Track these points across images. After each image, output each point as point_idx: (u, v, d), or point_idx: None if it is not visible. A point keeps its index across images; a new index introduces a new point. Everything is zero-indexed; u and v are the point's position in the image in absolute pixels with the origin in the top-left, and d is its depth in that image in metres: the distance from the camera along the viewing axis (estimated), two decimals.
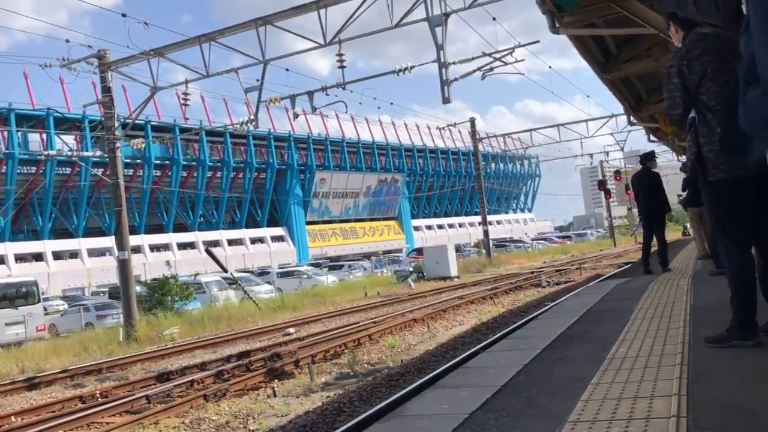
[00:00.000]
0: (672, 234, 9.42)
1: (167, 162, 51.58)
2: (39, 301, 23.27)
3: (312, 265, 42.96)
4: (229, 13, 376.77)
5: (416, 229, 73.22)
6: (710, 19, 2.17)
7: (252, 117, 18.62)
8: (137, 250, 42.99)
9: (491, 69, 19.67)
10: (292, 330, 17.09)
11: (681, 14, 2.52)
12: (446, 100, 15.43)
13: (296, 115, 20.30)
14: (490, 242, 43.77)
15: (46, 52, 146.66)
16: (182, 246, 52.14)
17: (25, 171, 44.35)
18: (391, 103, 55.56)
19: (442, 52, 15.10)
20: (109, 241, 41.43)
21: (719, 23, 2.16)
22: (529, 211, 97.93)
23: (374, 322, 16.06)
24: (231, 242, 55.25)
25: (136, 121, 24.78)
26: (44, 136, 43.96)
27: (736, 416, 2.49)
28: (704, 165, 3.66)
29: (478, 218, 46.80)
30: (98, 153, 26.97)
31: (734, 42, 3.69)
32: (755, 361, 3.33)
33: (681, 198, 10.37)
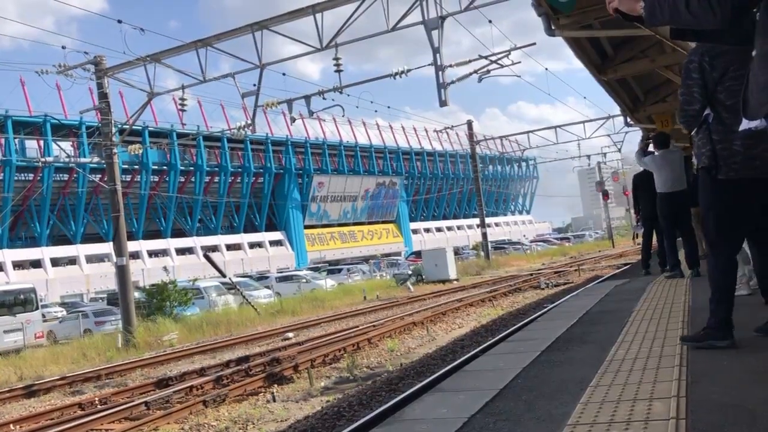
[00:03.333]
0: None
1: (165, 167, 51.56)
2: (37, 308, 23.20)
3: (311, 269, 42.96)
4: (217, 18, 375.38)
5: (415, 232, 73.23)
6: (706, 24, 2.12)
7: (249, 122, 18.65)
8: (135, 255, 42.95)
9: (488, 71, 19.71)
10: (291, 334, 17.07)
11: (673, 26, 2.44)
12: (443, 103, 15.45)
13: (293, 120, 20.30)
14: (489, 244, 43.79)
15: (33, 57, 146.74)
16: (180, 251, 52.11)
17: (23, 178, 44.31)
18: (388, 107, 55.96)
19: (438, 55, 15.12)
20: (107, 247, 41.36)
21: (717, 27, 2.11)
22: (528, 212, 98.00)
23: (373, 326, 16.05)
24: (229, 247, 55.22)
25: (134, 127, 24.73)
26: (41, 142, 43.96)
27: (736, 417, 2.48)
28: (717, 163, 3.65)
29: (477, 220, 46.83)
30: (96, 159, 26.96)
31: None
32: (754, 362, 3.33)
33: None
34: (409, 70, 17.89)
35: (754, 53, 2.08)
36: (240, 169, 56.07)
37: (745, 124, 2.49)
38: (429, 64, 15.54)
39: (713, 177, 3.69)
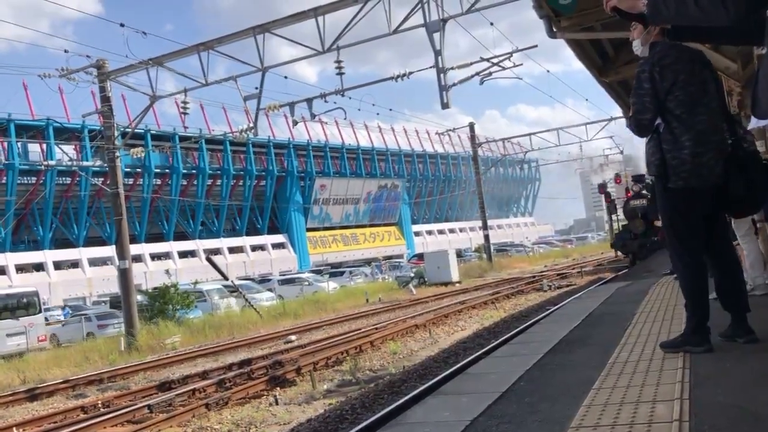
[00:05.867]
0: None
1: (167, 170, 51.61)
2: (40, 312, 23.23)
3: (313, 271, 42.93)
4: (211, 19, 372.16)
5: (417, 234, 73.16)
6: (716, 21, 2.07)
7: (251, 125, 18.64)
8: (138, 259, 42.91)
9: (489, 74, 19.71)
10: (293, 337, 17.06)
11: (674, 24, 2.41)
12: (445, 106, 15.46)
13: (295, 122, 20.31)
14: (491, 247, 43.72)
15: (29, 60, 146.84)
16: (183, 254, 52.10)
17: (26, 181, 44.38)
18: (390, 110, 55.91)
19: (440, 57, 15.13)
20: (109, 251, 41.38)
21: (726, 24, 2.07)
22: (530, 215, 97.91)
23: (376, 329, 16.03)
24: (232, 250, 55.22)
25: (136, 130, 24.79)
26: (44, 146, 44.02)
27: (739, 419, 2.47)
28: (667, 172, 3.71)
29: (479, 223, 46.76)
30: (98, 162, 27.01)
31: (701, 54, 3.82)
32: (757, 364, 3.32)
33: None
34: (410, 73, 17.89)
35: (764, 51, 2.05)
36: (242, 172, 56.11)
37: (754, 123, 2.48)
38: (431, 67, 15.55)
39: (664, 185, 3.75)
